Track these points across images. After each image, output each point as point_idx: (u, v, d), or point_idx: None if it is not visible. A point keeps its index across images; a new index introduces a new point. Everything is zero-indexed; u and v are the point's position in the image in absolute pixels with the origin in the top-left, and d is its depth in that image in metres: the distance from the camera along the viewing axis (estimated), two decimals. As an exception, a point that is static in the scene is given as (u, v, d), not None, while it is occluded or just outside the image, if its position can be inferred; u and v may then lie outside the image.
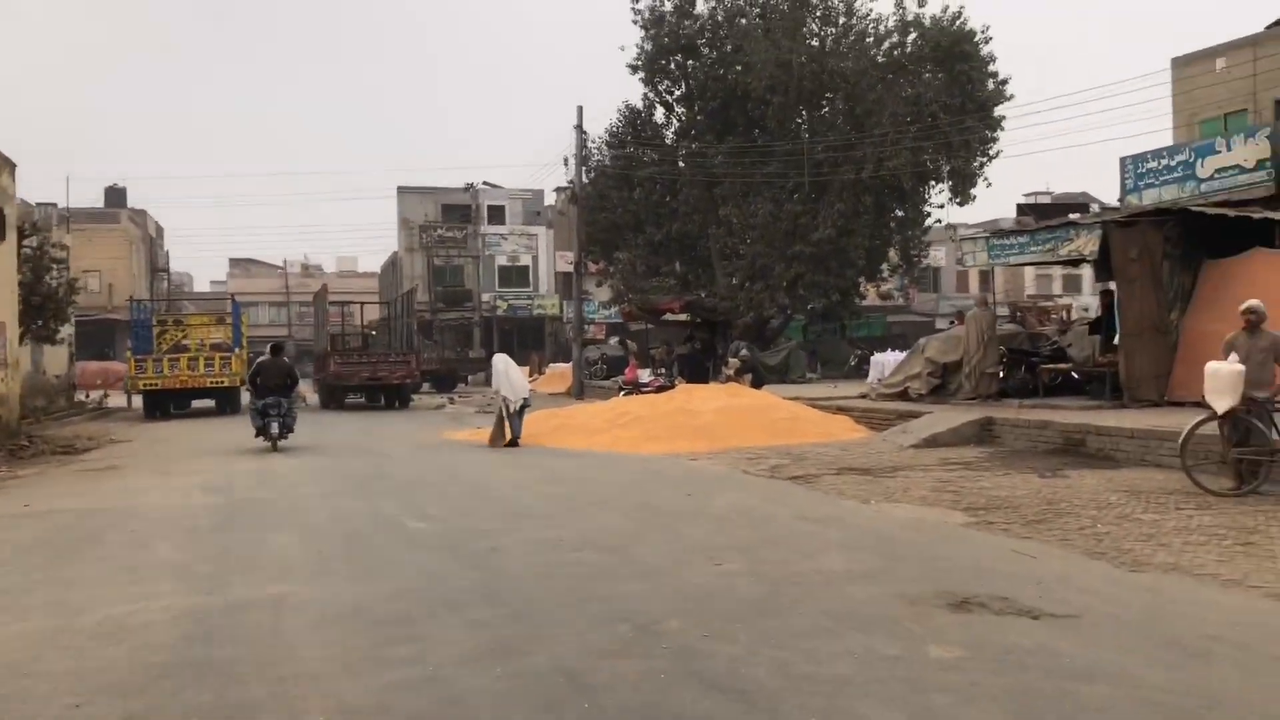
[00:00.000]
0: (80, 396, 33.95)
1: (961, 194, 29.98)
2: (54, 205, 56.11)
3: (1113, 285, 15.67)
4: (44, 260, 19.96)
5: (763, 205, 30.23)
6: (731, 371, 21.95)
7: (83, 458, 16.06)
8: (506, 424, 16.39)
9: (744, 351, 23.17)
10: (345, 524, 8.88)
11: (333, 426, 22.84)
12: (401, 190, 59.49)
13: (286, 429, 16.42)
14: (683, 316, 37.82)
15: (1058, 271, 71.49)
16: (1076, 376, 17.58)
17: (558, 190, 61.43)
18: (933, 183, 31.21)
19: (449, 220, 58.31)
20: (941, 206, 32.75)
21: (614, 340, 47.18)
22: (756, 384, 21.30)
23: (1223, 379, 9.47)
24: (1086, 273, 68.53)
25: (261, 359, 17.40)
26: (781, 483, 11.64)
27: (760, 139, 31.68)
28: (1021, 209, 24.51)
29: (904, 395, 19.09)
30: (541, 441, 16.68)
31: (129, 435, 21.24)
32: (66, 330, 31.56)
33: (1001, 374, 17.34)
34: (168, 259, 68.52)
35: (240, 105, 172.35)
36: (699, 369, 22.68)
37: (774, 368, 27.86)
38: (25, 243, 19.67)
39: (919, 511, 9.32)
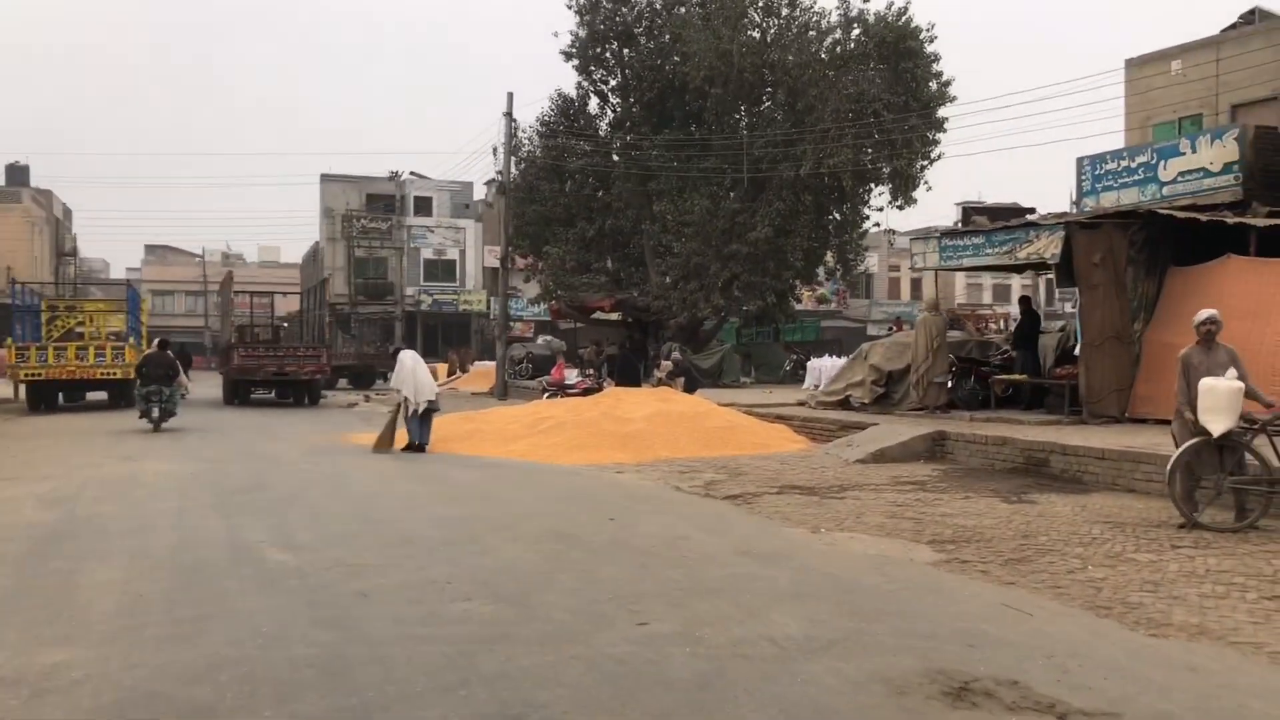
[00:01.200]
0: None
1: (903, 195, 28.95)
2: (-53, 181, 52.79)
3: (1070, 290, 14.64)
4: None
5: (699, 201, 28.90)
6: (663, 374, 20.59)
7: (-78, 458, 14.06)
8: (402, 427, 14.91)
9: (676, 353, 21.83)
10: (191, 553, 7.25)
11: (227, 424, 20.96)
12: (325, 178, 57.12)
13: (167, 413, 18.76)
14: (613, 316, 36.43)
15: (988, 279, 71.91)
16: (1018, 387, 16.56)
17: (488, 184, 59.70)
18: (873, 184, 30.16)
19: (374, 211, 56.13)
20: (880, 209, 31.75)
21: (541, 339, 45.58)
22: (690, 388, 19.95)
23: (1220, 396, 8.30)
24: (1015, 281, 69.09)
25: (148, 352, 20.39)
26: (717, 503, 10.26)
27: (698, 133, 30.36)
28: (968, 211, 23.54)
29: (845, 404, 17.90)
30: (452, 448, 15.10)
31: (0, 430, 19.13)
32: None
33: (950, 384, 16.22)
34: (75, 242, 65.00)
35: (158, 84, 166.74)
36: (630, 371, 21.27)
37: (707, 371, 26.59)
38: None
39: (878, 544, 8.00)
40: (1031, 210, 21.07)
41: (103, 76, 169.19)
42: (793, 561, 7.22)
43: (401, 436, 15.08)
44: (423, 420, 14.93)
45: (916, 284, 69.51)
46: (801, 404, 19.47)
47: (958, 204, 70.63)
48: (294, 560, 7.00)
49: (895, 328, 29.19)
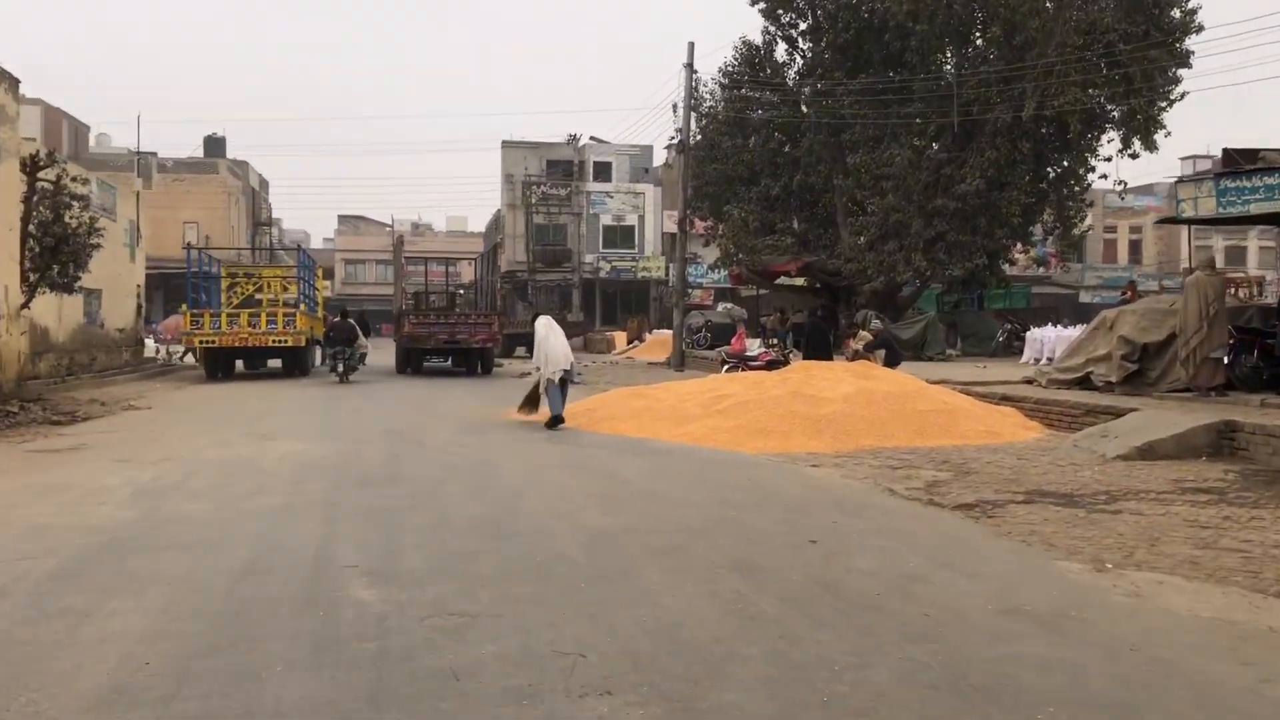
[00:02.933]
0: (153, 352, 32.08)
1: (1142, 139, 25.05)
2: (153, 154, 55.08)
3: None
4: (62, 196, 17.21)
5: (899, 153, 25.96)
6: (860, 346, 18.04)
7: (64, 431, 13.21)
8: (543, 398, 13.67)
9: (876, 322, 19.23)
10: (255, 584, 5.51)
11: (390, 394, 19.86)
12: (505, 145, 56.56)
13: (350, 368, 23.14)
14: (799, 281, 33.81)
15: (1220, 240, 64.87)
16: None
17: (667, 147, 57.75)
18: (1106, 128, 26.33)
19: (553, 176, 55.20)
20: (1109, 159, 27.87)
21: (721, 307, 43.44)
22: (891, 362, 17.38)
23: None
24: (1253, 242, 61.94)
25: (334, 320, 24.60)
26: (949, 516, 7.87)
27: (898, 77, 27.30)
28: (1228, 154, 19.79)
29: (1085, 382, 14.98)
30: (619, 428, 13.18)
31: (162, 400, 18.57)
32: (135, 277, 29.52)
33: (1227, 359, 13.10)
34: (270, 211, 67.19)
35: (340, 60, 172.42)
36: (820, 341, 18.81)
37: (908, 342, 23.76)
38: (42, 176, 16.99)
39: (1206, 596, 5.49)
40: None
41: (288, 53, 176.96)
42: (1091, 631, 4.83)
43: (545, 409, 13.56)
44: (558, 390, 13.56)
45: (1135, 246, 63.44)
46: (1029, 382, 16.59)
47: (1184, 158, 64.19)
48: (381, 602, 5.13)
49: (1129, 293, 25.47)
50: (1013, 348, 27.36)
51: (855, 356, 17.89)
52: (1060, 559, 6.41)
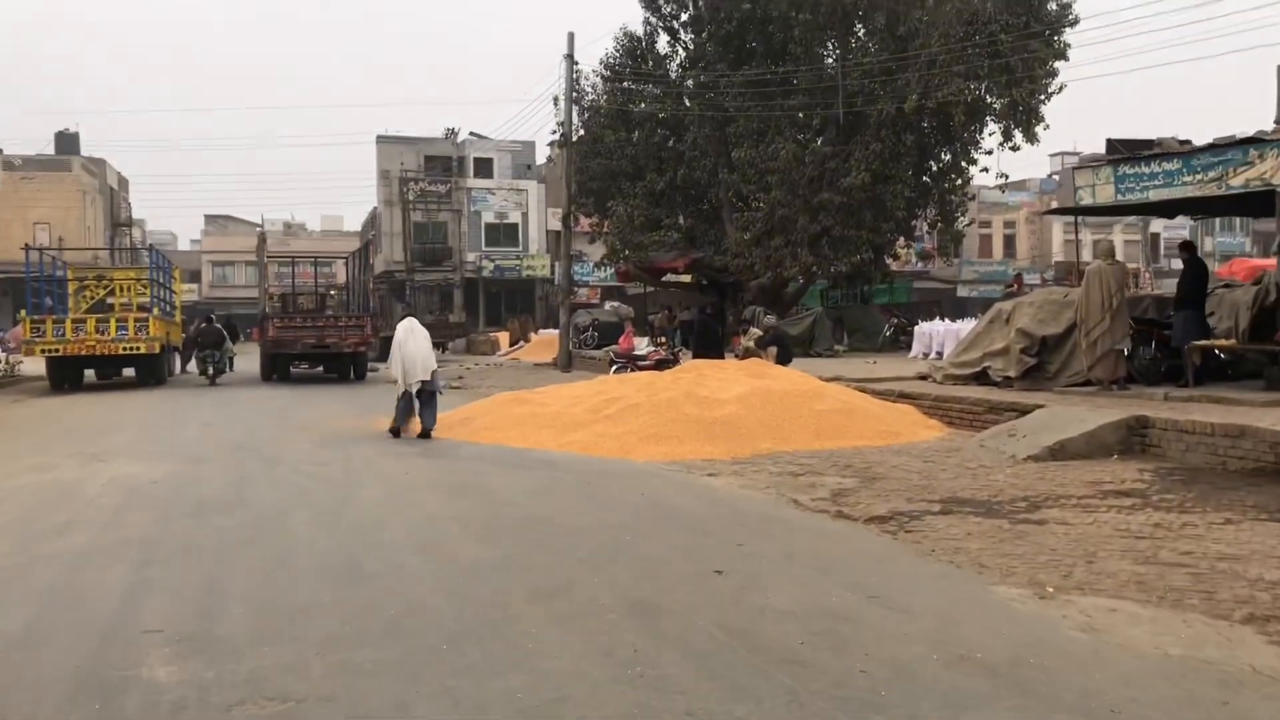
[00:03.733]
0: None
1: (1025, 130, 25.08)
2: (-3, 150, 51.28)
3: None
4: None
5: (784, 146, 25.44)
6: (751, 343, 17.35)
7: None
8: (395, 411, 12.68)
9: (768, 318, 18.57)
10: (23, 659, 4.32)
11: (248, 404, 18.33)
12: (381, 139, 54.50)
13: (219, 370, 24.50)
14: (685, 277, 33.18)
15: (1087, 234, 67.02)
16: (1223, 356, 13.06)
17: (550, 144, 56.55)
18: (988, 120, 26.32)
19: (432, 173, 53.46)
20: (989, 152, 27.94)
21: (608, 305, 42.55)
22: (783, 360, 16.69)
23: None
24: (1120, 237, 64.08)
25: (201, 325, 26.09)
26: (865, 532, 7.10)
27: (781, 70, 26.80)
28: (1112, 144, 19.79)
29: (982, 378, 14.54)
30: (499, 438, 12.11)
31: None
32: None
33: (1125, 352, 12.77)
34: (130, 212, 63.50)
35: (202, 43, 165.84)
36: (710, 339, 18.04)
37: (796, 339, 23.21)
38: None
39: (1166, 625, 4.82)
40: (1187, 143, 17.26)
41: (151, 36, 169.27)
42: (1058, 685, 4.03)
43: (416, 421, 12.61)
44: (423, 404, 12.57)
45: (1010, 241, 65.03)
46: (923, 378, 16.13)
47: (1053, 154, 65.89)
48: (181, 684, 4.00)
49: (1015, 286, 25.47)
50: (899, 342, 27.19)
51: (746, 354, 17.19)
52: (996, 583, 5.66)
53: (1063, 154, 67.64)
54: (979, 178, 29.61)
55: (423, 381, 12.51)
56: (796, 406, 12.12)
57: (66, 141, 53.85)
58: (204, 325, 25.66)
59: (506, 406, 13.52)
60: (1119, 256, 14.81)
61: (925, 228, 30.29)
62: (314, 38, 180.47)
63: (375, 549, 6.36)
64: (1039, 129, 25.53)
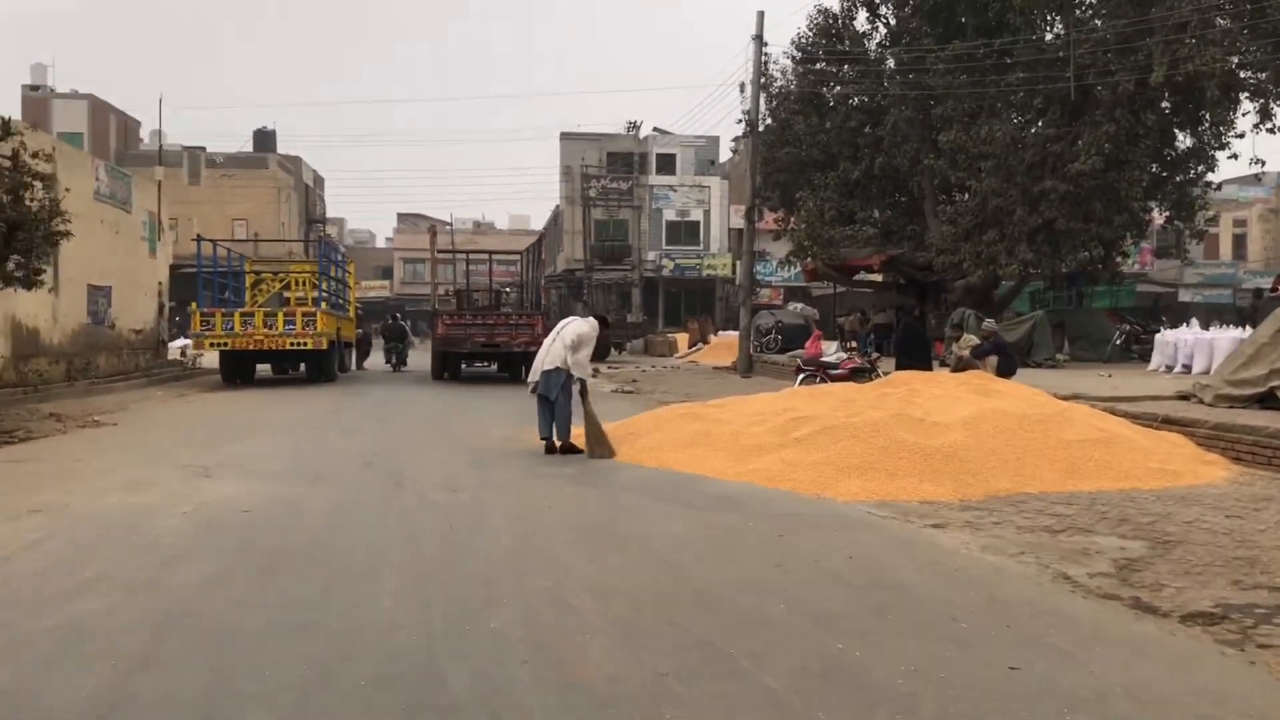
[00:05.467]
0: (179, 355, 29.86)
1: (1292, 108, 21.31)
2: (202, 149, 53.45)
3: None
4: (22, 176, 14.70)
5: (1000, 128, 22.51)
6: (966, 352, 14.80)
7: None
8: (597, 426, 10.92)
9: (987, 322, 15.92)
10: None
11: (406, 406, 17.13)
12: (564, 136, 53.88)
13: (401, 361, 29.42)
14: (877, 276, 30.48)
15: (1333, 236, 59.58)
16: None
17: (734, 140, 54.47)
18: (1240, 97, 22.55)
19: (614, 169, 52.34)
20: (1241, 135, 24.05)
21: (792, 306, 40.17)
22: (1005, 371, 14.09)
23: None
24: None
25: (388, 321, 32.13)
26: (1186, 639, 4.75)
27: (998, 42, 23.79)
28: None
29: (1270, 400, 11.60)
30: (665, 459, 10.15)
31: (145, 413, 16.03)
32: (156, 274, 27.24)
33: None
34: (324, 208, 65.36)
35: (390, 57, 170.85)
36: (918, 346, 15.53)
37: (1013, 347, 20.31)
38: (-4, 150, 14.47)
39: None
40: None
41: (343, 44, 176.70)
42: None
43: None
44: (556, 409, 10.91)
45: (1240, 241, 58.47)
46: (1184, 397, 13.22)
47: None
48: None
49: (1276, 288, 21.70)
50: (1131, 352, 23.76)
51: (960, 365, 14.66)
52: None
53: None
54: (1224, 166, 25.71)
55: (546, 379, 10.80)
56: (1039, 434, 9.62)
57: (264, 139, 55.68)
58: (390, 321, 31.64)
59: (677, 422, 11.53)
60: None
61: (1160, 222, 26.47)
62: (491, 29, 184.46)
63: (472, 648, 4.43)
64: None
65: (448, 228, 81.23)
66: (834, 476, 8.97)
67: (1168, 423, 11.19)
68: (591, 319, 11.61)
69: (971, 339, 15.21)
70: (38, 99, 51.89)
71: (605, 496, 8.35)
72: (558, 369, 11.04)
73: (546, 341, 11.37)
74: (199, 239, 23.62)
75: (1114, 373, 18.99)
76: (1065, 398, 12.55)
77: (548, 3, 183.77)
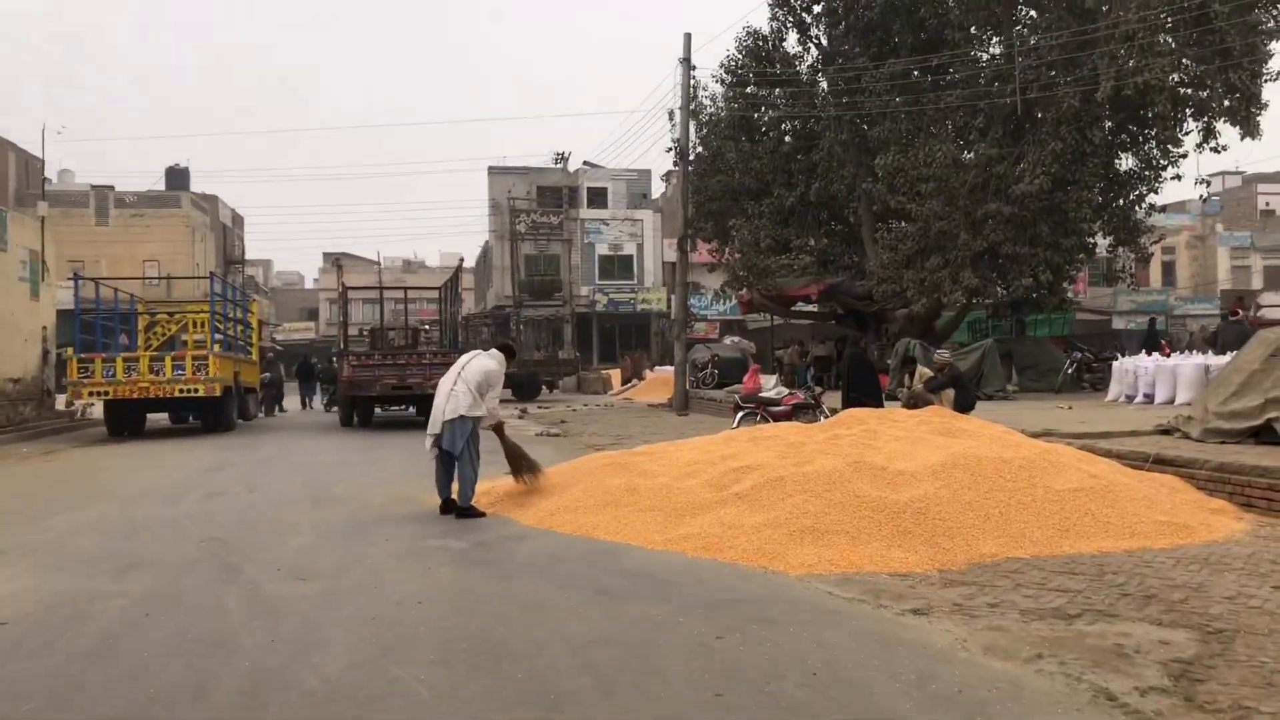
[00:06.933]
0: (68, 404, 27.37)
1: (1242, 124, 20.35)
2: (110, 188, 50.82)
3: None
4: None
5: (939, 149, 21.34)
6: (921, 384, 13.32)
7: None
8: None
9: (940, 352, 14.50)
10: None
11: (295, 458, 15.19)
12: (492, 170, 52.36)
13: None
14: (814, 307, 29.16)
15: (1258, 261, 60.16)
16: None
17: (664, 176, 53.20)
18: (1186, 115, 21.62)
19: (544, 204, 50.81)
20: (1185, 155, 23.17)
21: (728, 340, 38.78)
22: (963, 406, 12.60)
23: None
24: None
25: (302, 364, 34.47)
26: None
27: (937, 58, 22.70)
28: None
29: (1266, 434, 10.25)
30: (584, 523, 8.40)
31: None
32: (39, 319, 24.86)
33: None
34: (243, 249, 62.73)
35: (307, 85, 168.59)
36: (866, 379, 14.02)
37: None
38: None
39: None
40: None
41: (255, 76, 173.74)
42: None
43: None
44: (457, 464, 9.34)
45: (1169, 268, 58.61)
46: (1165, 431, 11.86)
47: (1214, 174, 58.85)
48: None
49: (1236, 311, 20.74)
50: (1083, 382, 22.61)
51: (914, 399, 13.15)
52: None
53: (1223, 174, 60.93)
54: (1165, 188, 24.78)
55: (450, 430, 9.12)
56: (1023, 483, 8.08)
57: (176, 177, 53.18)
58: (302, 363, 34.35)
59: (599, 474, 9.79)
60: None
61: (1105, 246, 25.49)
62: (419, 59, 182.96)
63: None
64: (1259, 116, 20.67)
65: (376, 266, 79.03)
66: (783, 542, 7.33)
67: (1160, 463, 9.75)
68: (495, 351, 9.93)
69: (926, 371, 13.74)
70: (-73, 137, 48.95)
71: (496, 581, 6.58)
72: (462, 418, 9.33)
73: (444, 384, 9.63)
74: (75, 277, 21.40)
75: (1072, 404, 17.71)
76: (1035, 435, 11.11)
77: (470, 29, 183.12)
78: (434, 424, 9.42)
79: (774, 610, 5.79)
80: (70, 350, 20.01)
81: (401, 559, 7.30)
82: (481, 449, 9.51)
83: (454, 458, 9.27)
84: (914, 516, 7.51)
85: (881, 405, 13.16)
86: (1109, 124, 22.17)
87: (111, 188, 51.06)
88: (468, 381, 9.46)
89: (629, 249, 51.43)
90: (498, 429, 9.79)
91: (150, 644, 5.14)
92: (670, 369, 30.09)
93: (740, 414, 15.33)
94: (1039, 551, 7.17)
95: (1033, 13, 22.56)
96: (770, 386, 18.72)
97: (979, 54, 23.16)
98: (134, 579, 6.66)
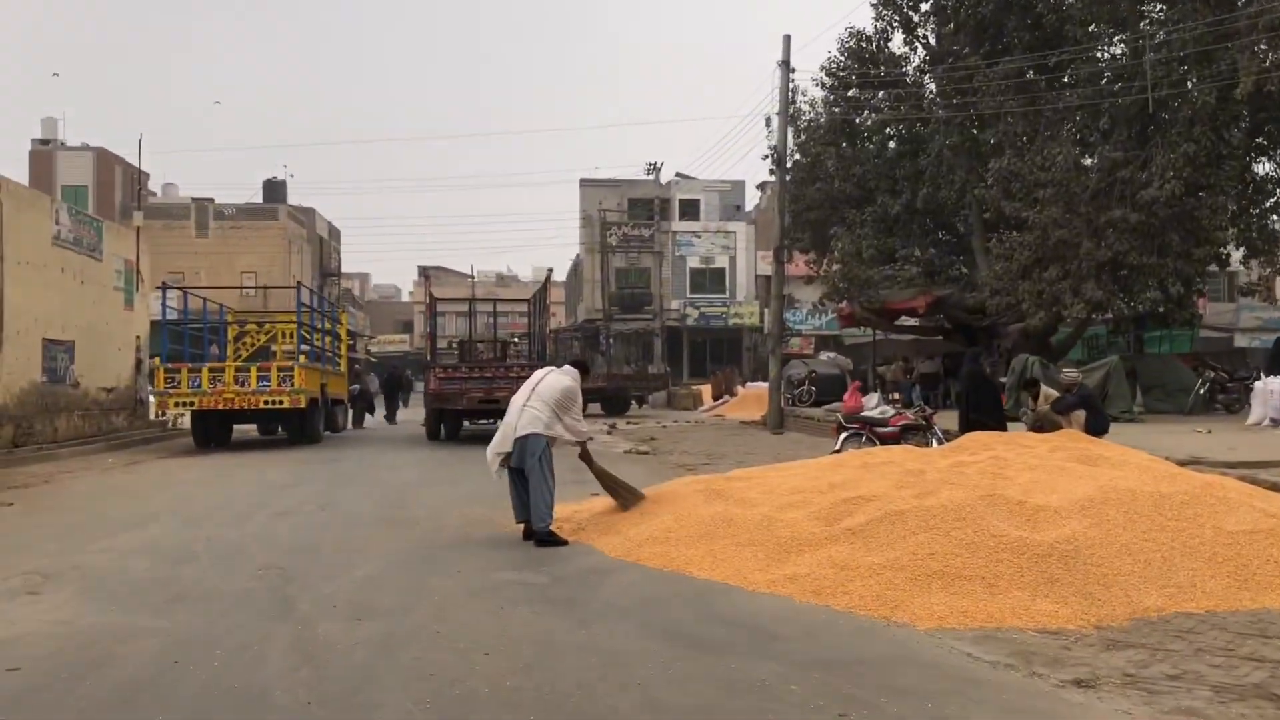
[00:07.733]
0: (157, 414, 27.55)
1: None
2: (209, 201, 51.85)
3: None
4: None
5: (1059, 152, 19.94)
6: (1047, 406, 12.10)
7: None
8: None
9: (1069, 371, 13.21)
10: None
11: (377, 473, 14.62)
12: (584, 182, 51.99)
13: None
14: (912, 321, 27.79)
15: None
16: None
17: (760, 186, 52.08)
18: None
19: (635, 216, 50.24)
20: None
21: (824, 355, 37.50)
22: (1095, 429, 11.35)
23: None
24: None
25: (387, 376, 34.65)
26: None
27: (1056, 55, 21.29)
28: None
29: None
30: (674, 557, 7.50)
31: (64, 487, 13.61)
32: (133, 328, 25.02)
33: None
34: (339, 261, 63.52)
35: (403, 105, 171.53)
36: (989, 398, 12.83)
37: (1087, 397, 17.55)
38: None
39: None
40: None
41: (358, 89, 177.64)
42: None
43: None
44: (529, 489, 8.53)
45: (1295, 280, 55.14)
46: (1334, 461, 10.48)
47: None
48: None
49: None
50: (1215, 404, 20.90)
51: (1040, 421, 11.96)
52: None
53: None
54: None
55: (521, 446, 8.44)
56: (1189, 522, 6.93)
57: (274, 189, 53.98)
58: (388, 375, 34.36)
59: (692, 501, 8.87)
60: None
61: (1239, 257, 23.67)
62: (500, 70, 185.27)
63: None
64: None
65: (469, 280, 79.57)
66: (906, 588, 6.33)
67: (1339, 498, 8.44)
68: (569, 367, 9.18)
69: (1052, 392, 12.51)
70: (44, 153, 50.57)
71: (575, 627, 5.72)
72: (536, 435, 8.57)
73: (517, 400, 8.90)
74: (164, 286, 21.33)
75: (1210, 428, 16.18)
76: (1181, 463, 9.87)
77: (563, 39, 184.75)
78: (503, 442, 8.69)
79: (904, 677, 4.82)
80: (157, 360, 19.90)
81: (471, 595, 6.50)
82: (566, 470, 8.74)
83: (525, 476, 8.52)
84: (1061, 561, 6.43)
85: (1005, 428, 11.97)
86: (1247, 121, 20.51)
87: (211, 200, 52.07)
88: (544, 398, 8.74)
89: (721, 262, 50.49)
90: (584, 454, 9.07)
91: (172, 699, 4.42)
92: (763, 385, 29.03)
93: (844, 435, 14.25)
94: (1214, 605, 6.05)
95: (1161, 5, 20.98)
96: (873, 405, 17.60)
97: (1101, 51, 21.66)
98: (177, 613, 5.98)
